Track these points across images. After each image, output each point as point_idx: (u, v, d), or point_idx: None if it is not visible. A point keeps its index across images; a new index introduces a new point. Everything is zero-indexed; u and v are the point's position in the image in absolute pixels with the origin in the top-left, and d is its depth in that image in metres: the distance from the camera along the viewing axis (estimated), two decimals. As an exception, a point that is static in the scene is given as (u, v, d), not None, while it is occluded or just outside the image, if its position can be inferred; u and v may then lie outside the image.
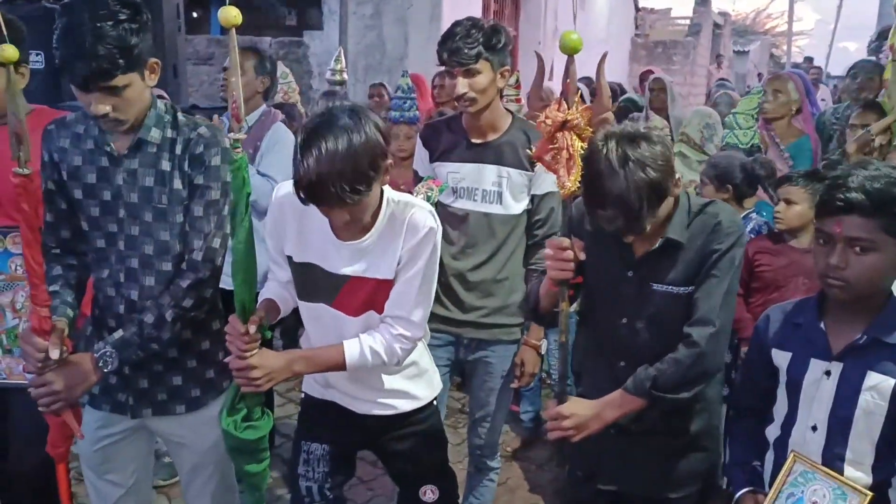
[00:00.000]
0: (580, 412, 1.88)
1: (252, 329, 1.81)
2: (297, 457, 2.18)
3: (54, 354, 1.84)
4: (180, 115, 1.98)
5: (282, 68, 4.48)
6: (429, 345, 2.26)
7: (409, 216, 1.85)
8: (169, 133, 1.94)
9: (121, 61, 1.73)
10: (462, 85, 2.35)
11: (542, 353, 2.62)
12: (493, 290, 2.53)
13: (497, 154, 2.47)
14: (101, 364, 1.88)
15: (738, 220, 1.91)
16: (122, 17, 1.74)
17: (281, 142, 3.23)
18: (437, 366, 2.30)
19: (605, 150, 1.72)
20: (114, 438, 2.12)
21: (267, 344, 1.92)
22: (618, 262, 1.93)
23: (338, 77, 5.02)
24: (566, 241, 1.83)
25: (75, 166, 1.95)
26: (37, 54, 4.75)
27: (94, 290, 2.07)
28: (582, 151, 1.74)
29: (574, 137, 1.74)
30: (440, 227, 1.91)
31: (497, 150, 2.47)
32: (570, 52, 1.72)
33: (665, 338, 1.86)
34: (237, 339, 1.81)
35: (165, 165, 1.93)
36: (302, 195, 1.69)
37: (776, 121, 3.94)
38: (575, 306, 2.12)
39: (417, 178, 2.61)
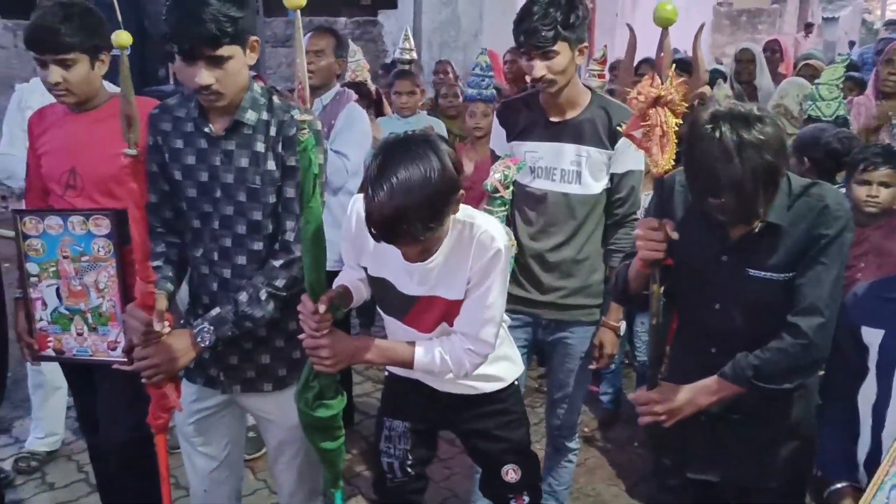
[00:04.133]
0: (673, 397, 1.83)
1: (322, 308, 1.81)
2: (380, 433, 2.21)
3: (158, 327, 1.92)
4: (275, 98, 2.01)
5: (351, 46, 4.49)
6: (507, 326, 2.23)
7: (477, 236, 1.81)
8: (264, 115, 1.97)
9: (228, 29, 1.78)
10: (539, 68, 2.30)
11: (621, 334, 2.57)
12: (572, 270, 2.49)
13: (576, 132, 2.41)
14: (198, 339, 1.95)
15: (845, 203, 1.81)
16: None
17: (355, 121, 3.27)
18: (516, 346, 2.28)
19: (717, 134, 1.63)
20: (208, 412, 2.20)
21: (343, 325, 1.93)
22: (711, 244, 1.86)
23: (406, 56, 5.01)
24: (657, 221, 1.77)
25: (176, 149, 2.02)
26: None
27: (191, 268, 2.14)
28: (676, 128, 1.68)
29: (668, 114, 1.67)
30: (509, 246, 1.88)
31: (576, 128, 2.42)
32: (665, 24, 1.64)
33: (761, 325, 1.79)
34: (308, 318, 1.82)
35: (260, 147, 1.96)
36: (373, 231, 1.66)
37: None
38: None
39: (494, 158, 2.58)
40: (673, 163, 1.70)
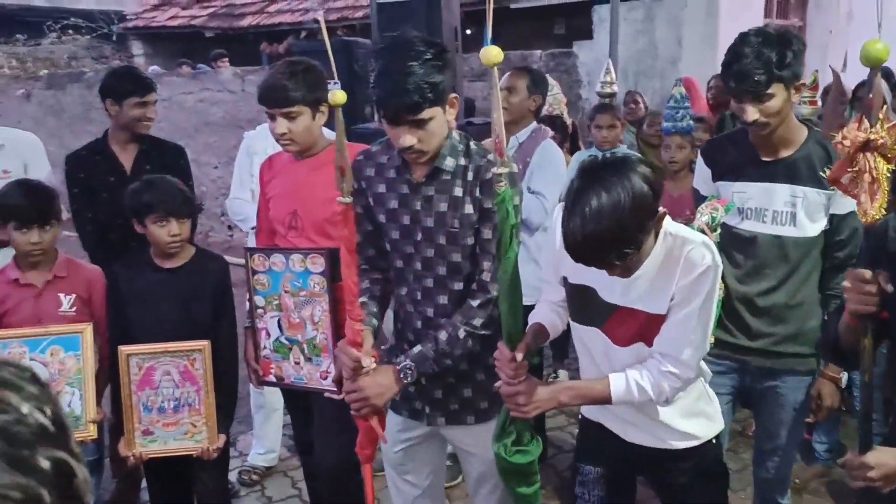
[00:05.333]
0: (889, 462, 1.67)
1: (519, 356, 1.85)
2: (574, 477, 2.19)
3: (366, 363, 2.04)
4: (472, 144, 2.09)
5: (549, 81, 4.53)
6: (711, 371, 2.14)
7: (686, 252, 1.76)
8: (462, 161, 2.06)
9: (429, 95, 1.88)
10: (752, 112, 2.19)
11: (843, 385, 2.37)
12: (785, 316, 2.34)
13: (790, 172, 2.28)
14: (402, 376, 2.05)
15: None
16: (428, 56, 1.89)
17: (551, 159, 3.29)
18: (719, 394, 2.17)
19: None
20: (412, 442, 2.30)
21: (537, 370, 1.95)
22: None
23: (607, 90, 4.96)
24: (868, 273, 1.63)
25: (379, 193, 2.15)
26: (334, 83, 5.30)
27: (396, 306, 2.26)
28: (888, 174, 1.55)
29: (879, 159, 1.55)
30: (720, 266, 1.79)
31: (790, 167, 2.28)
32: (874, 63, 1.52)
33: None
34: (505, 365, 1.86)
35: (458, 192, 2.05)
36: (569, 253, 1.68)
37: None
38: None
39: (698, 198, 2.49)
40: (883, 211, 1.57)
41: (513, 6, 7.77)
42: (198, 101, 8.74)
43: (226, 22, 10.89)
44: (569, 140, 4.45)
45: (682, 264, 1.76)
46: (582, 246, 1.63)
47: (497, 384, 1.91)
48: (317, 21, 9.51)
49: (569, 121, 4.74)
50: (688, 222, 2.40)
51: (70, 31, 11.85)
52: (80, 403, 2.46)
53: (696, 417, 2.02)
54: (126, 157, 3.26)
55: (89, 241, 3.24)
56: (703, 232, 2.30)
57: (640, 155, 4.28)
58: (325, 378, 2.52)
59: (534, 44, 8.63)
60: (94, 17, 12.14)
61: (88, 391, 2.47)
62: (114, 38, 12.30)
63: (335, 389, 2.47)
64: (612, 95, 4.95)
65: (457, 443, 2.30)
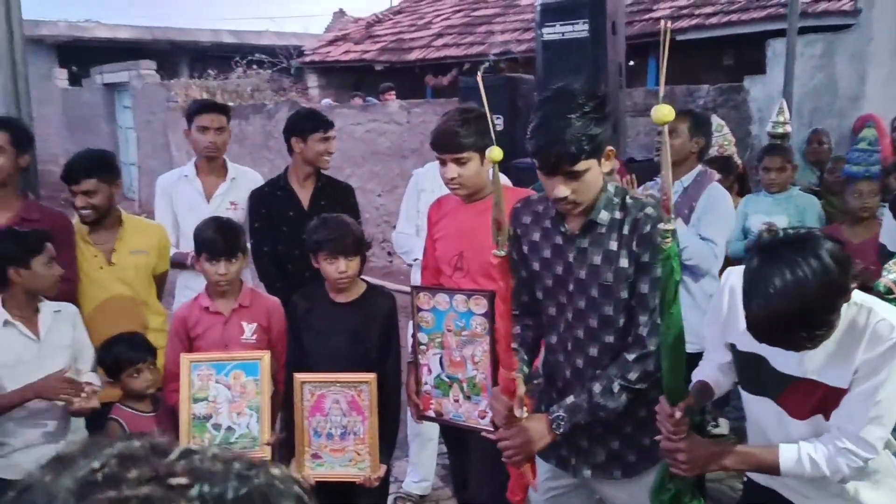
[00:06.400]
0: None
1: (678, 413, 1.80)
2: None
3: (518, 413, 2.07)
4: (628, 198, 2.09)
5: (716, 121, 4.39)
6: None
7: (873, 324, 1.67)
8: (617, 214, 2.06)
9: (585, 148, 1.91)
10: None
11: None
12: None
13: None
14: (554, 426, 2.07)
15: None
16: (588, 108, 1.92)
17: (718, 203, 3.20)
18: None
19: None
20: (559, 491, 2.30)
21: (700, 428, 1.90)
22: None
23: (780, 130, 4.73)
24: None
25: (534, 241, 2.19)
26: (497, 117, 5.43)
27: (546, 353, 2.28)
28: None
29: None
30: None
31: None
32: None
33: None
34: (665, 420, 1.83)
35: (613, 245, 2.05)
36: (752, 333, 1.64)
37: None
38: None
39: (886, 254, 2.34)
40: None
41: (679, 38, 7.61)
42: (366, 131, 9.18)
43: (394, 56, 11.38)
44: (738, 182, 4.29)
45: (867, 336, 1.67)
46: (766, 327, 1.59)
47: (657, 438, 1.88)
48: (482, 56, 9.75)
49: (739, 161, 4.57)
50: (866, 271, 2.27)
51: (254, 66, 12.83)
52: (256, 426, 2.65)
53: (883, 489, 1.90)
54: (304, 194, 3.50)
55: (269, 272, 3.48)
56: (889, 291, 2.17)
57: (819, 206, 4.05)
58: (483, 417, 2.57)
59: (701, 76, 8.39)
60: (276, 53, 13.09)
61: (264, 414, 2.66)
62: (292, 71, 13.18)
63: (492, 429, 2.51)
64: (785, 136, 4.72)
65: (606, 495, 2.28)
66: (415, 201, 3.69)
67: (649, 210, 2.02)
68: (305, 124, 3.45)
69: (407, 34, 11.95)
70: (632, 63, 9.25)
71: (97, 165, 3.00)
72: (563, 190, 1.96)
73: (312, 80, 12.76)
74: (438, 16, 12.41)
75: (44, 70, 15.25)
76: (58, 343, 2.64)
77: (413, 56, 11.07)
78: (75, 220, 3.06)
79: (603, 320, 2.08)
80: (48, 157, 11.42)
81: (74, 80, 16.02)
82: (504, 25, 10.53)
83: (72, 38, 15.35)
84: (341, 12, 14.89)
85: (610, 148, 2.01)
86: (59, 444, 2.63)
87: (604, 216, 2.05)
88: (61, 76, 16.09)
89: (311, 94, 12.48)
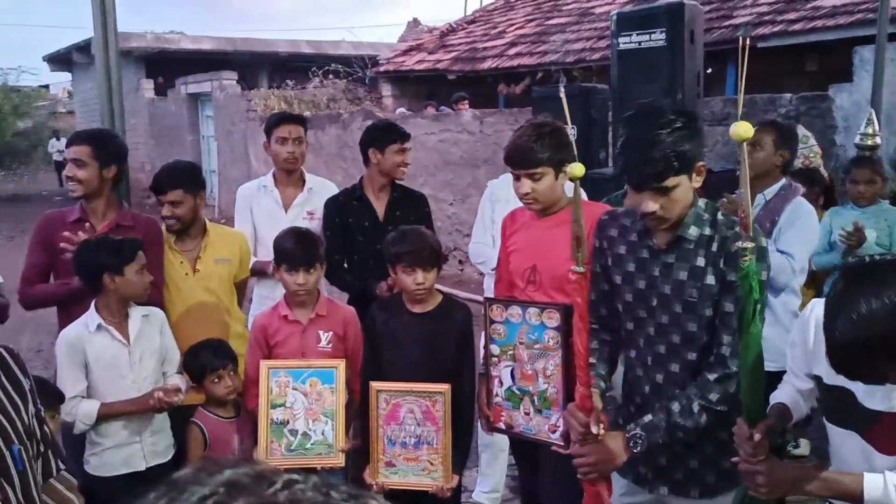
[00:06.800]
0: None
1: (757, 436, 1.77)
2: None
3: (595, 430, 2.07)
4: (719, 214, 2.06)
5: (802, 132, 4.27)
6: None
7: None
8: (706, 231, 2.03)
9: (674, 164, 1.90)
10: None
11: None
12: None
13: None
14: (631, 444, 2.05)
15: None
16: (678, 125, 1.91)
17: (801, 218, 3.14)
18: None
19: None
20: None
21: (779, 451, 1.86)
22: None
23: (868, 142, 4.55)
24: None
25: (619, 254, 2.18)
26: (572, 127, 5.41)
27: (625, 368, 2.27)
28: None
29: None
30: None
31: None
32: None
33: None
34: (744, 442, 1.80)
35: (700, 262, 2.02)
36: (830, 361, 1.59)
37: None
38: None
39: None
40: None
41: (760, 45, 7.41)
42: (439, 140, 9.26)
43: (468, 65, 11.46)
44: (825, 194, 4.16)
45: None
46: (846, 354, 1.54)
47: (734, 460, 1.85)
48: (554, 65, 9.72)
49: (825, 173, 4.43)
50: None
51: (330, 76, 13.11)
52: (331, 433, 2.72)
53: None
54: (379, 204, 3.56)
55: (342, 282, 3.54)
56: None
57: None
58: (554, 432, 2.56)
59: (783, 82, 8.16)
60: (351, 63, 13.34)
61: (339, 422, 2.72)
62: (367, 81, 13.42)
63: (563, 444, 2.51)
64: (875, 148, 4.55)
65: None
66: (489, 212, 3.72)
67: (739, 228, 2.00)
68: (383, 136, 3.52)
69: (480, 43, 12.02)
70: (709, 70, 9.05)
71: (183, 177, 3.13)
72: (651, 205, 1.96)
73: (386, 90, 12.95)
74: (511, 25, 12.43)
75: (132, 81, 15.94)
76: (146, 347, 2.76)
77: (486, 65, 11.12)
78: (162, 227, 3.20)
79: (686, 337, 2.06)
80: (136, 166, 11.94)
81: (160, 91, 16.68)
82: (578, 34, 10.48)
83: (158, 49, 15.99)
84: (415, 22, 15.07)
85: (701, 163, 2.00)
86: (146, 444, 2.75)
87: (693, 232, 2.03)
88: (148, 87, 16.78)
89: (385, 104, 12.67)
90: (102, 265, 2.65)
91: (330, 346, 2.88)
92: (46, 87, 29.71)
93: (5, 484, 1.44)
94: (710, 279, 2.01)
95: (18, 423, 1.52)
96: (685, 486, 2.15)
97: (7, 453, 1.46)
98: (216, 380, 2.80)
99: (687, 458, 2.13)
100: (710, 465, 2.12)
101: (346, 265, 3.53)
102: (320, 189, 3.75)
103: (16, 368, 1.57)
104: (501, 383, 2.69)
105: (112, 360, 2.68)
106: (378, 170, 3.54)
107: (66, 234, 2.83)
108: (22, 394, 1.56)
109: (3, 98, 23.97)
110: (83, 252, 2.71)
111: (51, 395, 2.43)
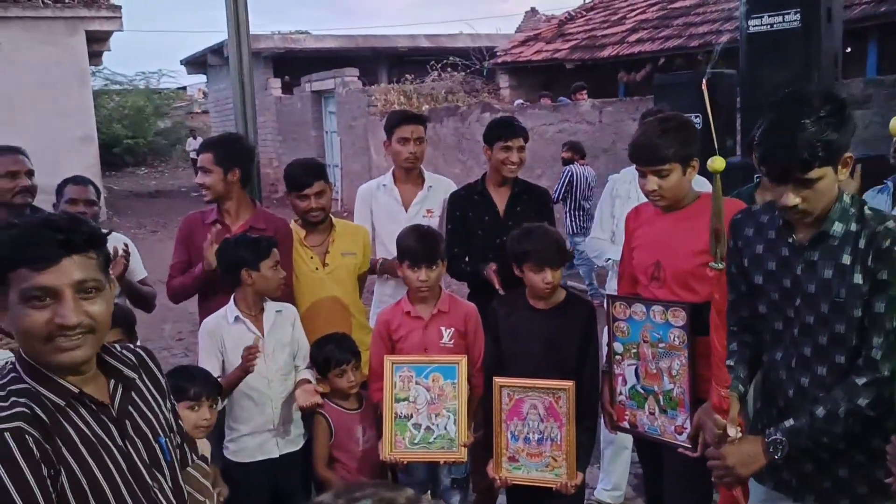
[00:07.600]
0: None
1: None
2: None
3: (731, 432, 2.00)
4: (867, 209, 1.94)
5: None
6: None
7: None
8: (853, 227, 1.92)
9: (820, 154, 1.80)
10: None
11: None
12: None
13: None
14: (771, 449, 1.96)
15: None
16: (825, 113, 1.80)
17: None
18: None
19: None
20: None
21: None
22: None
23: None
24: None
25: (757, 254, 2.08)
26: (695, 116, 5.22)
27: (766, 370, 2.17)
28: None
29: None
30: None
31: None
32: None
33: None
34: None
35: (846, 259, 1.91)
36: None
37: None
38: None
39: None
40: None
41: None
42: (557, 131, 9.17)
43: (587, 53, 11.27)
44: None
45: None
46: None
47: (888, 480, 1.74)
48: (676, 49, 9.40)
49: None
50: None
51: (448, 69, 13.23)
52: (453, 427, 2.76)
53: None
54: (500, 199, 3.56)
55: (460, 272, 3.57)
56: None
57: None
58: (681, 433, 2.50)
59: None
60: (469, 55, 13.40)
61: (461, 416, 2.76)
62: (484, 73, 13.44)
63: (689, 446, 2.44)
64: None
65: None
66: (609, 207, 3.66)
67: (890, 224, 1.87)
68: (490, 132, 3.51)
69: (599, 31, 11.79)
70: (848, 50, 8.49)
71: (320, 170, 3.30)
72: (792, 198, 1.86)
73: (504, 81, 12.94)
74: (633, 10, 12.12)
75: (261, 81, 16.68)
76: (279, 340, 2.90)
77: (606, 53, 10.90)
78: (292, 224, 3.34)
79: (834, 338, 1.95)
80: (264, 162, 12.47)
81: (286, 89, 17.37)
82: (704, 17, 10.08)
83: (285, 49, 16.64)
84: (533, 11, 14.97)
85: (848, 154, 1.88)
86: (279, 430, 2.89)
87: (838, 227, 1.92)
88: (275, 85, 17.51)
89: (503, 95, 12.66)
90: (240, 261, 2.81)
91: (451, 341, 2.92)
92: (184, 88, 31.49)
93: (157, 473, 1.54)
94: (858, 278, 1.89)
95: (162, 417, 1.63)
96: (834, 496, 2.03)
97: (156, 446, 1.57)
98: (339, 374, 2.91)
99: (836, 467, 2.01)
100: (861, 474, 1.99)
101: (466, 259, 3.55)
102: (439, 187, 3.79)
103: (153, 366, 1.68)
104: (625, 382, 2.65)
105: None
106: (491, 165, 3.55)
107: (207, 239, 3.06)
108: (160, 389, 1.67)
109: (146, 100, 25.70)
110: (224, 248, 2.90)
111: (212, 386, 2.61)
